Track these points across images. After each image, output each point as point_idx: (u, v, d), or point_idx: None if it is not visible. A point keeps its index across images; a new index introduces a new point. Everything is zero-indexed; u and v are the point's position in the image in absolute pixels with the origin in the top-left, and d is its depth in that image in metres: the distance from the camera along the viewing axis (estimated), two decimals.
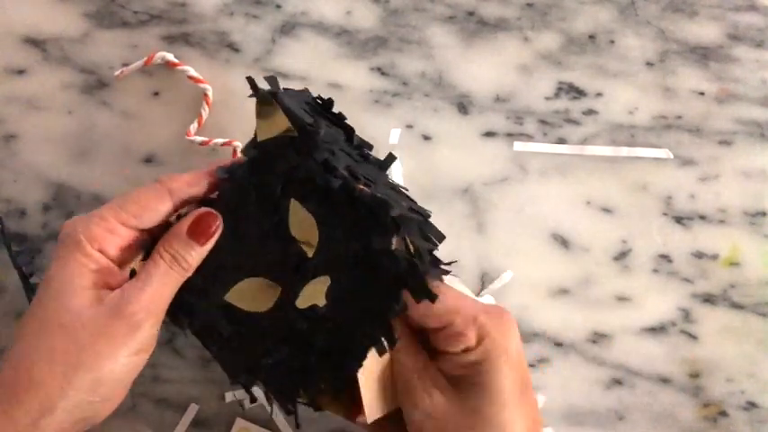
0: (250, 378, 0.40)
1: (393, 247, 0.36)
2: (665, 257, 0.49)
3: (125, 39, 0.50)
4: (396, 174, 0.49)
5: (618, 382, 0.48)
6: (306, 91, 0.43)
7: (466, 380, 0.38)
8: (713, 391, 0.49)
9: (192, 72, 0.49)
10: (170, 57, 0.49)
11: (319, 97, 0.42)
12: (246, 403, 0.48)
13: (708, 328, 0.49)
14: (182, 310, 0.41)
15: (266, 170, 0.39)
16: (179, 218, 0.41)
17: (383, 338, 0.37)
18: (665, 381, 0.49)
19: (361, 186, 0.37)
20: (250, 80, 0.40)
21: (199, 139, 0.49)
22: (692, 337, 0.49)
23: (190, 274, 0.40)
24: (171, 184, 0.40)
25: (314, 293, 0.38)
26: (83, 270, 0.37)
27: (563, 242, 0.49)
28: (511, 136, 0.50)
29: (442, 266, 0.39)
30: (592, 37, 0.51)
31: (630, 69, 0.50)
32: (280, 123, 0.39)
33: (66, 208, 0.49)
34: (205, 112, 0.49)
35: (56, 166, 0.50)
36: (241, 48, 0.50)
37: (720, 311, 0.49)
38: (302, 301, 0.39)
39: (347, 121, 0.42)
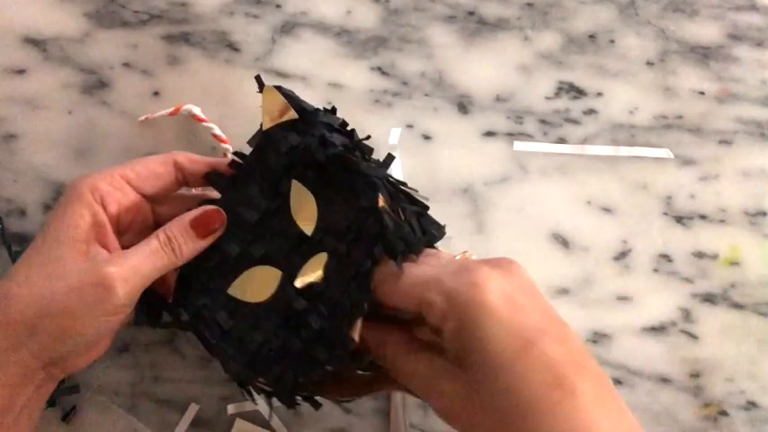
0: (250, 373, 0.40)
1: (379, 204, 0.38)
2: (665, 257, 0.49)
3: (125, 39, 0.50)
4: (396, 174, 0.49)
5: (618, 382, 0.48)
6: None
7: (459, 354, 0.34)
8: (713, 391, 0.49)
9: (217, 131, 0.48)
10: (196, 111, 0.48)
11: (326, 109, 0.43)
12: (253, 405, 0.48)
13: (708, 328, 0.49)
14: (184, 307, 0.41)
15: (270, 154, 0.41)
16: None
17: (363, 300, 0.37)
18: (665, 381, 0.49)
19: (354, 158, 0.39)
20: (258, 78, 0.42)
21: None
22: (692, 336, 0.49)
23: (179, 263, 0.40)
24: (177, 156, 0.42)
25: (312, 270, 0.39)
26: (79, 222, 0.39)
27: (563, 242, 0.49)
28: (511, 136, 0.50)
29: (434, 233, 0.40)
30: (592, 37, 0.51)
31: (630, 69, 0.50)
32: (283, 113, 0.41)
33: None
34: None
35: (56, 166, 0.50)
36: (241, 48, 0.50)
37: (720, 311, 0.49)
38: (301, 280, 0.39)
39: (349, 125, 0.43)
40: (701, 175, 0.50)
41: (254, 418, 0.48)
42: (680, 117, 0.50)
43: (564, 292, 0.49)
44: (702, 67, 0.50)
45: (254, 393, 0.42)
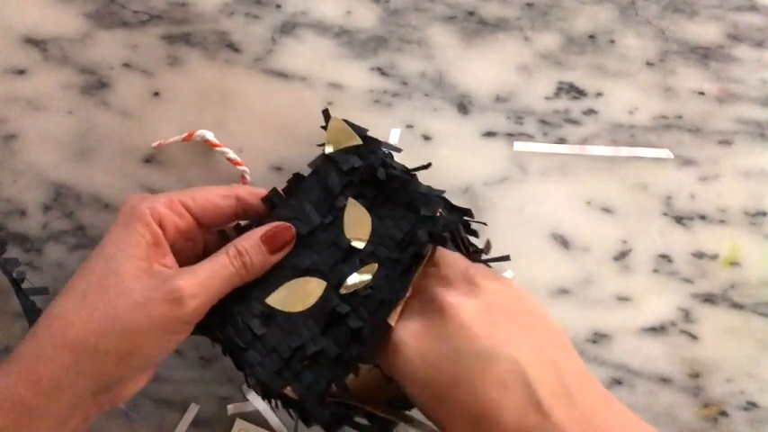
0: (279, 381, 0.39)
1: (438, 213, 0.40)
2: (665, 257, 0.49)
3: (125, 39, 0.50)
4: None
5: (618, 382, 0.48)
6: None
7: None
8: (713, 391, 0.49)
9: (231, 154, 0.48)
10: (209, 136, 0.48)
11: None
12: (261, 406, 0.48)
13: (708, 328, 0.49)
14: (218, 315, 0.40)
15: (330, 173, 0.43)
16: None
17: (405, 285, 0.39)
18: (665, 381, 0.49)
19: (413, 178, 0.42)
20: (325, 112, 0.45)
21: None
22: (692, 337, 0.49)
23: (248, 278, 0.40)
24: (239, 190, 0.42)
25: (361, 278, 0.40)
26: (139, 240, 0.38)
27: (563, 242, 0.49)
28: (511, 136, 0.50)
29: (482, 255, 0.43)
30: (592, 37, 0.51)
31: (630, 69, 0.50)
32: (345, 141, 0.43)
33: (66, 208, 0.49)
34: None
35: (56, 166, 0.50)
36: (241, 48, 0.50)
37: (720, 311, 0.49)
38: (347, 288, 0.40)
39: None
40: (701, 175, 0.50)
41: (254, 418, 0.48)
42: (680, 117, 0.50)
43: (564, 292, 0.49)
44: (702, 67, 0.50)
45: (276, 402, 0.41)
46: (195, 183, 0.49)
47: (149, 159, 0.50)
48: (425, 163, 0.44)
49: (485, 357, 0.34)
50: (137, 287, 0.37)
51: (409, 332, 0.36)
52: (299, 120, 0.50)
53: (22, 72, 0.50)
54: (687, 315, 0.49)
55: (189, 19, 0.50)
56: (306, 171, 0.44)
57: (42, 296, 0.48)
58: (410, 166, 0.49)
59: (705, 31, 0.51)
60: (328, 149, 0.44)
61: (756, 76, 0.50)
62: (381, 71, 0.50)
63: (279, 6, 0.50)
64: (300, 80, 0.50)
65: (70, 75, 0.50)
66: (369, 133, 0.44)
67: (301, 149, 0.49)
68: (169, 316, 0.36)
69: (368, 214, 0.42)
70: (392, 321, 0.37)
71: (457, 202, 0.49)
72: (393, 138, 0.49)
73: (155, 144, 0.49)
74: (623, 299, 0.49)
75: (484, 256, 0.43)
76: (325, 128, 0.44)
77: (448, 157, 0.50)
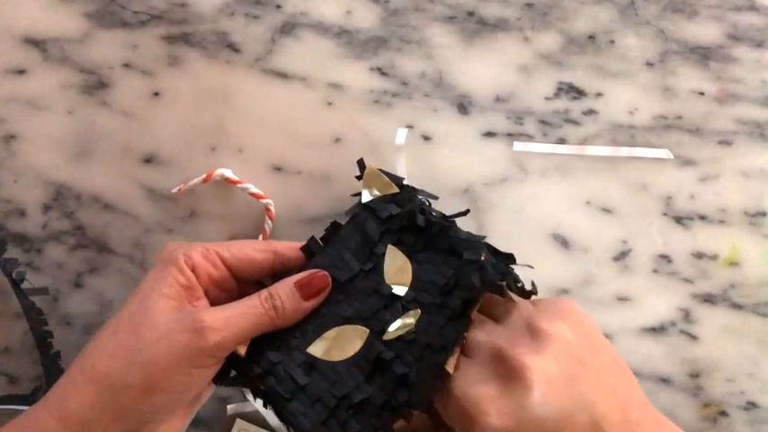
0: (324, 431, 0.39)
1: (482, 258, 0.39)
2: (665, 257, 0.49)
3: (125, 39, 0.50)
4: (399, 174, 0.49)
5: None
6: None
7: None
8: (713, 391, 0.49)
9: (253, 189, 0.48)
10: (229, 174, 0.48)
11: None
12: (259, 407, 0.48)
13: (708, 328, 0.49)
14: (257, 363, 0.40)
15: (368, 221, 0.43)
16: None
17: (461, 332, 0.38)
18: (665, 381, 0.49)
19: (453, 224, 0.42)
20: (360, 162, 0.45)
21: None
22: (692, 337, 0.49)
23: (280, 322, 0.39)
24: (277, 245, 0.42)
25: (405, 325, 0.39)
26: (172, 281, 0.38)
27: (563, 242, 0.49)
28: (511, 136, 0.50)
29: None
30: (592, 37, 0.51)
31: (630, 69, 0.50)
32: (381, 189, 0.44)
33: (66, 208, 0.49)
34: (269, 227, 0.49)
35: (56, 166, 0.50)
36: (241, 48, 0.50)
37: (720, 311, 0.49)
38: (390, 334, 0.39)
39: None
40: (701, 175, 0.50)
41: (254, 418, 0.48)
42: (680, 117, 0.50)
43: (564, 292, 0.49)
44: (702, 67, 0.50)
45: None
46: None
47: (149, 159, 0.50)
48: (463, 210, 0.43)
49: (565, 417, 0.35)
50: (162, 320, 0.37)
51: (485, 398, 0.36)
52: (299, 120, 0.50)
53: (22, 72, 0.50)
54: (687, 315, 0.49)
55: (189, 19, 0.50)
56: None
57: (42, 296, 0.48)
58: (411, 166, 0.49)
59: (705, 32, 0.51)
60: (365, 198, 0.44)
61: (756, 77, 0.50)
62: (381, 71, 0.50)
63: (279, 6, 0.50)
64: (300, 80, 0.50)
65: (70, 75, 0.50)
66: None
67: (301, 149, 0.49)
68: (190, 347, 0.36)
69: (408, 260, 0.41)
70: (450, 369, 0.37)
71: (457, 202, 0.49)
72: (399, 138, 0.49)
73: (174, 190, 0.49)
74: (623, 299, 0.49)
75: (534, 298, 0.42)
76: (360, 177, 0.44)
77: (448, 158, 0.50)
